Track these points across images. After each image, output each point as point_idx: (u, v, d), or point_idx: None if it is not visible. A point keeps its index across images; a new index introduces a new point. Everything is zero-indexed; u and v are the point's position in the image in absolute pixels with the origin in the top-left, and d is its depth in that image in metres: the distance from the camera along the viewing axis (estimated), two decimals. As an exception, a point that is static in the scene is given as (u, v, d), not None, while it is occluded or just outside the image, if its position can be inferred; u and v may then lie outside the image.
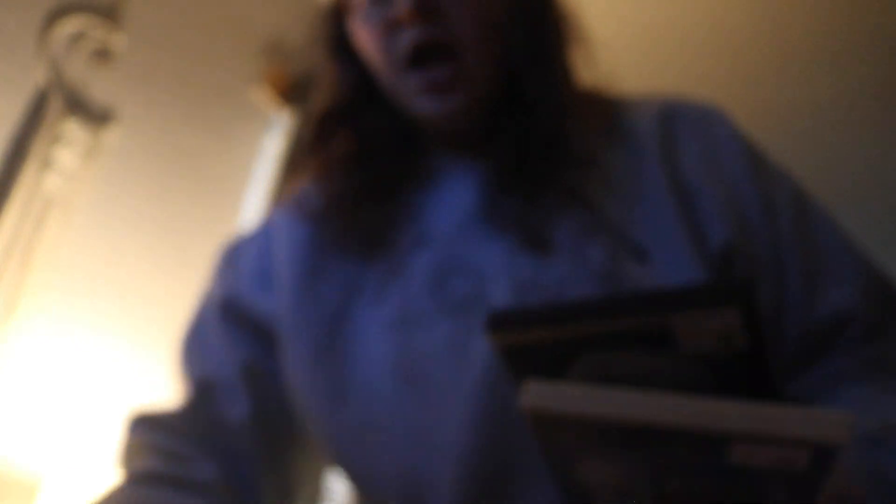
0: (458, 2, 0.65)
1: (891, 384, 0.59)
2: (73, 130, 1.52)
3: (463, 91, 0.66)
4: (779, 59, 2.23)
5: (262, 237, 0.76)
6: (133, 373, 1.52)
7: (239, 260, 0.76)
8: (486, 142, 0.69)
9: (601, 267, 0.59)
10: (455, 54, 0.65)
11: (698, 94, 0.74)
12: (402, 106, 0.69)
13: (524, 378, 0.36)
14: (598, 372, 0.35)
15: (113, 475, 0.69)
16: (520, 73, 0.68)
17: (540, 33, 0.69)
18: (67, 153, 1.51)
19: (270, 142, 1.95)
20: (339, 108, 0.73)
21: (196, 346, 0.75)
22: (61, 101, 1.52)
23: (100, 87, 1.60)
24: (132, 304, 1.52)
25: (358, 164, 0.71)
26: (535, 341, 0.36)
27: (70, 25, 1.56)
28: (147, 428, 0.70)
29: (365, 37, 0.68)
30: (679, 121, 0.70)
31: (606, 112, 0.71)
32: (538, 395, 0.32)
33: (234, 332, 0.72)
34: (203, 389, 0.71)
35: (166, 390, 0.75)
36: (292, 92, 1.93)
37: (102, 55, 1.61)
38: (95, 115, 1.58)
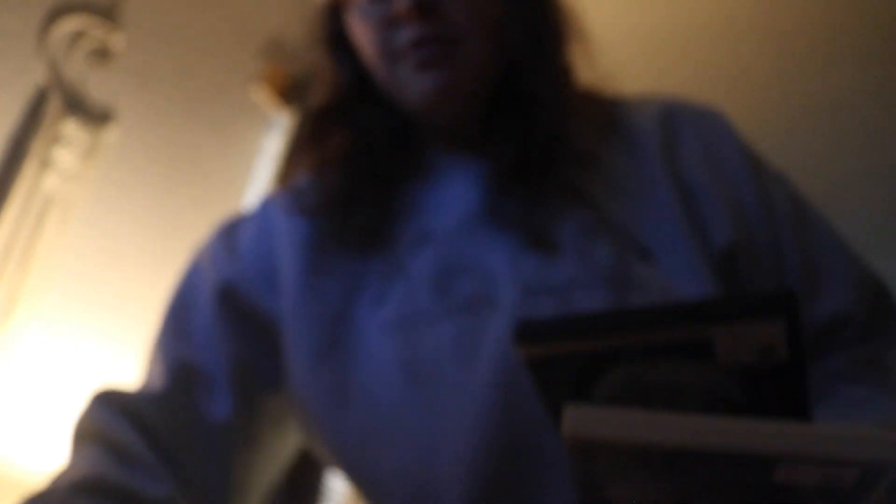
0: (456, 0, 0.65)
1: (887, 384, 0.59)
2: (73, 130, 1.52)
3: (456, 68, 0.65)
4: (778, 60, 2.23)
5: (262, 229, 0.74)
6: (133, 373, 1.52)
7: (238, 247, 0.73)
8: (483, 139, 0.69)
9: (609, 267, 0.59)
10: (452, 45, 0.65)
11: (698, 95, 0.74)
12: (399, 101, 0.69)
13: (550, 391, 0.36)
14: (633, 384, 0.34)
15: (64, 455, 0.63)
16: (519, 70, 0.68)
17: (539, 31, 0.69)
18: (67, 153, 1.51)
19: (270, 141, 1.94)
20: (335, 104, 0.73)
21: (180, 326, 0.70)
22: (60, 101, 1.51)
23: (99, 86, 1.59)
24: (132, 304, 1.52)
25: (354, 160, 0.70)
26: (564, 353, 0.35)
27: (69, 25, 1.56)
28: (110, 410, 0.64)
29: (362, 33, 0.68)
30: (679, 121, 0.70)
31: (606, 111, 0.71)
32: (582, 421, 0.30)
33: (230, 324, 0.69)
34: (183, 376, 0.67)
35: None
36: (292, 91, 1.92)
37: (102, 55, 1.61)
38: (95, 115, 1.57)
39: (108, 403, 0.64)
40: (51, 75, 1.51)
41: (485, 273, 0.62)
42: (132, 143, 1.64)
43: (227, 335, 0.68)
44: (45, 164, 1.47)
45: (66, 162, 1.50)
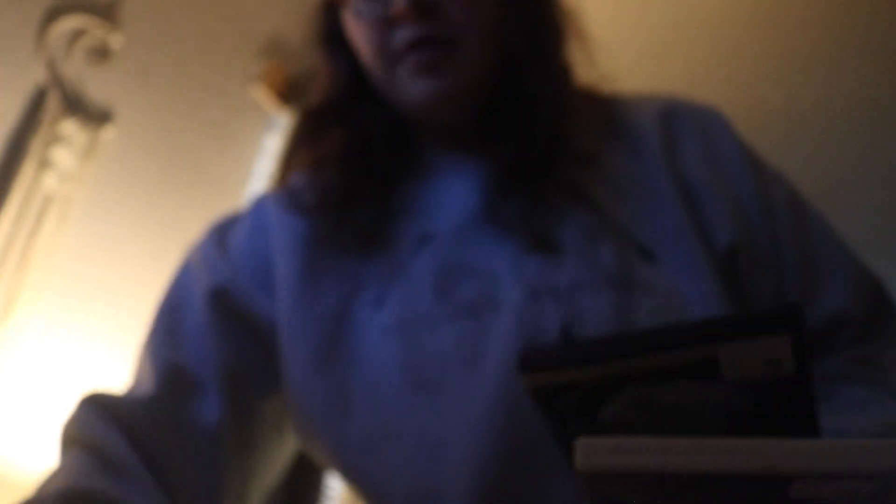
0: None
1: (887, 383, 0.59)
2: (72, 130, 1.52)
3: (455, 73, 0.64)
4: (778, 60, 2.23)
5: (256, 228, 0.72)
6: (132, 373, 1.51)
7: (232, 247, 0.72)
8: (482, 139, 0.68)
9: (612, 269, 0.59)
10: (450, 45, 0.64)
11: (698, 95, 0.74)
12: (395, 99, 0.68)
13: (556, 418, 0.35)
14: (640, 406, 0.34)
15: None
16: (518, 70, 0.67)
17: (538, 30, 0.69)
18: (66, 153, 1.51)
19: (270, 141, 1.94)
20: (332, 102, 0.72)
21: (170, 328, 0.68)
22: (59, 101, 1.51)
23: (98, 86, 1.59)
24: (131, 303, 1.51)
25: (351, 159, 0.69)
26: (570, 380, 0.34)
27: (68, 24, 1.56)
28: (97, 416, 0.62)
29: (358, 32, 0.67)
30: (680, 121, 0.69)
31: (605, 109, 0.70)
32: (595, 453, 0.30)
33: (223, 326, 0.67)
34: (173, 380, 0.65)
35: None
36: (292, 91, 1.92)
37: (101, 54, 1.61)
38: (94, 115, 1.57)
39: (96, 408, 0.62)
40: (50, 75, 1.51)
41: (487, 275, 0.61)
42: (131, 142, 1.63)
43: (220, 338, 0.67)
44: (44, 163, 1.47)
45: (65, 161, 1.50)
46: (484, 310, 0.59)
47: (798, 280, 0.63)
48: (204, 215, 0.77)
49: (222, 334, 0.67)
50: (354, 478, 0.63)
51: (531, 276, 0.60)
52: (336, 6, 0.70)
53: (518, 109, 0.67)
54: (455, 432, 0.57)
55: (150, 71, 1.69)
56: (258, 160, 1.92)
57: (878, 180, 2.49)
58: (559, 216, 0.62)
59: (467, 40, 0.64)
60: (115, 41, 1.62)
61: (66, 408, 0.64)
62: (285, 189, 0.73)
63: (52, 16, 1.53)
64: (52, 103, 1.50)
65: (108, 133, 1.59)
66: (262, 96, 1.92)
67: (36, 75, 1.49)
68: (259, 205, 0.75)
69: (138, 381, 0.67)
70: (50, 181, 1.47)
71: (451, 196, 0.67)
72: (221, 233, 0.73)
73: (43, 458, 1.33)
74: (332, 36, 0.71)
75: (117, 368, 1.49)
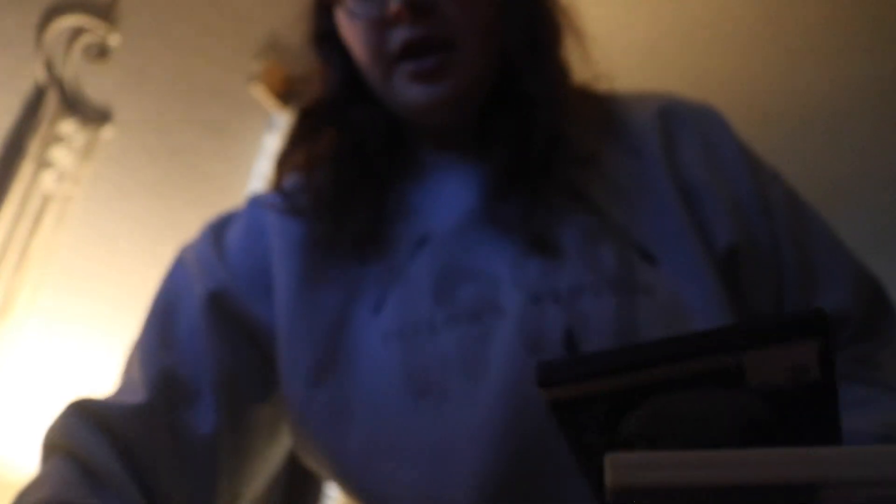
0: (450, 0, 0.63)
1: (886, 383, 0.59)
2: (70, 129, 1.52)
3: (453, 79, 0.63)
4: (778, 59, 2.23)
5: (253, 229, 0.70)
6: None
7: (228, 248, 0.70)
8: (478, 140, 0.67)
9: (613, 272, 0.59)
10: (447, 48, 0.63)
11: (698, 94, 0.74)
12: (391, 101, 0.67)
13: (577, 431, 0.35)
14: (662, 416, 0.33)
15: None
16: (515, 70, 0.66)
17: (536, 29, 0.68)
18: (64, 152, 1.50)
19: (270, 141, 1.94)
20: (326, 102, 0.71)
21: (163, 332, 0.66)
22: (58, 100, 1.51)
23: (96, 85, 1.59)
24: (130, 303, 1.51)
25: (345, 160, 0.68)
26: (591, 392, 0.34)
27: (66, 24, 1.56)
28: (82, 422, 0.59)
29: (352, 33, 0.66)
30: (678, 120, 0.69)
31: (602, 108, 0.70)
32: (625, 469, 0.29)
33: (219, 331, 0.65)
34: (165, 386, 0.63)
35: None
36: (292, 91, 1.92)
37: (99, 54, 1.60)
38: (92, 114, 1.57)
39: (81, 414, 0.60)
40: (48, 74, 1.51)
41: (487, 278, 0.60)
42: (130, 142, 1.63)
43: (216, 343, 0.64)
44: (43, 163, 1.47)
45: (63, 161, 1.50)
46: (485, 313, 0.59)
47: (797, 279, 0.63)
48: (203, 215, 0.76)
49: (218, 339, 0.65)
50: (355, 487, 0.61)
51: (532, 279, 0.59)
52: (329, 5, 0.69)
53: (516, 109, 0.66)
54: (460, 439, 0.56)
55: (149, 70, 1.69)
56: (258, 160, 1.92)
57: (879, 180, 2.49)
58: (558, 217, 0.62)
59: (465, 42, 0.64)
60: (114, 40, 1.62)
61: (62, 406, 0.63)
62: (280, 191, 0.72)
63: (50, 15, 1.53)
64: (51, 103, 1.49)
65: (107, 132, 1.58)
66: (261, 96, 1.92)
67: (34, 75, 1.49)
68: (255, 205, 0.73)
69: (127, 387, 0.65)
70: (48, 181, 1.47)
71: (449, 197, 0.66)
72: (217, 233, 0.72)
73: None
74: (325, 35, 0.70)
75: (116, 368, 1.49)
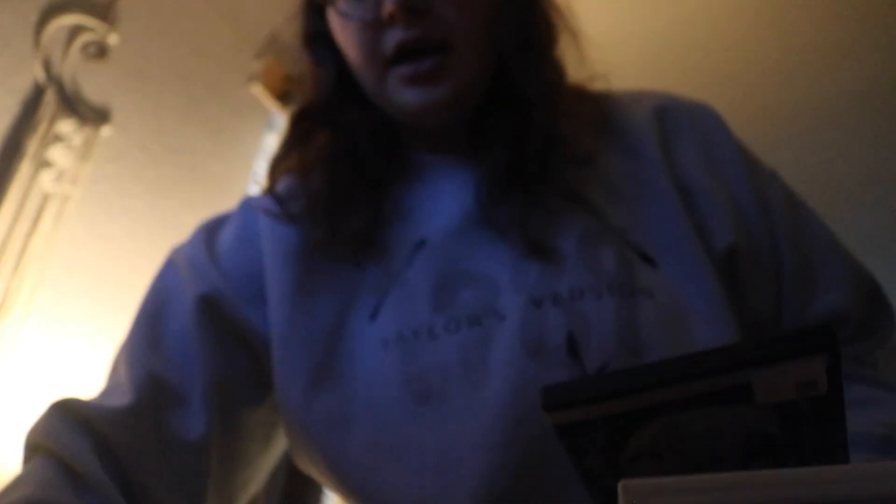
0: (446, 1, 0.62)
1: (885, 382, 0.59)
2: (69, 129, 1.52)
3: (449, 82, 0.63)
4: (778, 59, 2.23)
5: (246, 231, 0.69)
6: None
7: (221, 252, 0.68)
8: (473, 142, 0.66)
9: (613, 274, 0.58)
10: (442, 50, 0.62)
11: (697, 93, 0.73)
12: (385, 103, 0.66)
13: (583, 452, 0.34)
14: (670, 435, 0.33)
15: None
16: (510, 71, 0.66)
17: (531, 29, 0.67)
18: (63, 151, 1.50)
19: (270, 141, 1.94)
20: (318, 104, 0.70)
21: (153, 335, 0.64)
22: (57, 99, 1.51)
23: (95, 85, 1.59)
24: (128, 302, 1.51)
25: (338, 162, 0.67)
26: (598, 415, 0.33)
27: (65, 23, 1.55)
28: (66, 424, 0.58)
29: (345, 34, 0.65)
30: (675, 120, 0.68)
31: (598, 107, 0.69)
32: (638, 495, 0.29)
33: (211, 336, 0.64)
34: (153, 391, 0.61)
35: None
36: (291, 90, 1.92)
37: (98, 53, 1.60)
38: (91, 113, 1.57)
39: (65, 415, 0.58)
40: (46, 74, 1.50)
41: (486, 281, 0.60)
42: (128, 141, 1.63)
43: (206, 347, 0.63)
44: (42, 162, 1.47)
45: (62, 160, 1.50)
46: (485, 317, 0.58)
47: (796, 279, 0.63)
48: (201, 215, 0.75)
49: (209, 343, 0.63)
50: (356, 494, 0.60)
51: (531, 282, 0.58)
52: (321, 6, 0.68)
53: (511, 111, 0.65)
54: (461, 445, 0.55)
55: (148, 70, 1.69)
56: (257, 160, 1.92)
57: (880, 181, 2.49)
58: (555, 220, 0.61)
59: (461, 43, 0.63)
60: (113, 40, 1.62)
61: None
62: (273, 194, 0.70)
63: (49, 14, 1.53)
64: (50, 102, 1.49)
65: (106, 132, 1.58)
66: (261, 96, 1.92)
67: (33, 74, 1.49)
68: (248, 207, 0.71)
69: (114, 388, 0.63)
70: (47, 180, 1.47)
71: (445, 200, 0.66)
72: (210, 235, 0.70)
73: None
74: (317, 36, 0.69)
75: (114, 368, 1.49)
